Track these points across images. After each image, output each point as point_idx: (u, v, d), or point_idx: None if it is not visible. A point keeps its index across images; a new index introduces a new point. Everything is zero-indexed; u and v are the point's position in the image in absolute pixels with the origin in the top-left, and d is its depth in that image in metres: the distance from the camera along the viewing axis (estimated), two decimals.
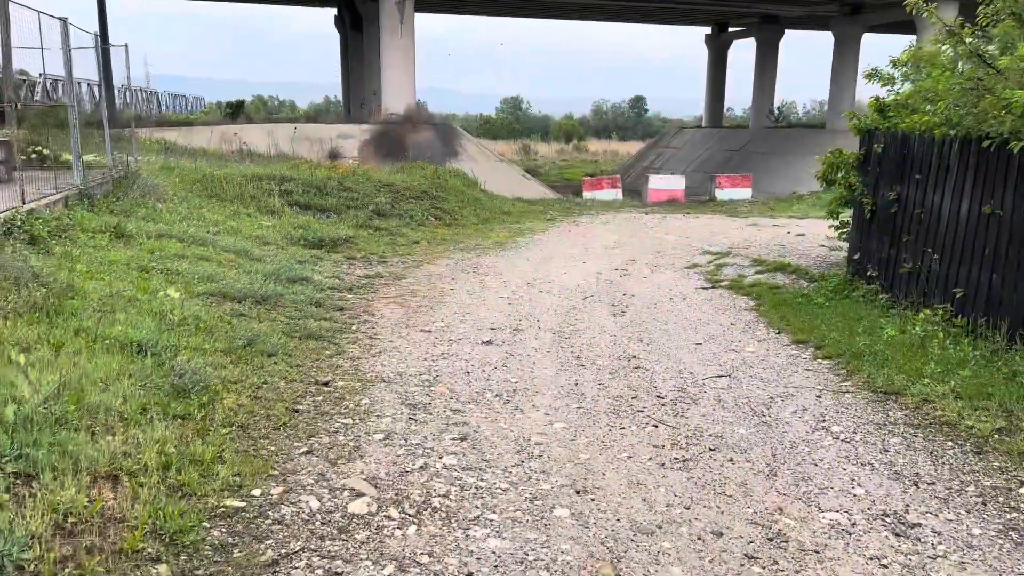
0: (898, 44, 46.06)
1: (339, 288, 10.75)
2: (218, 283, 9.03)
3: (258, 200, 15.51)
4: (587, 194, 29.88)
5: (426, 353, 7.93)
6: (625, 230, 17.96)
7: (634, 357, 8.06)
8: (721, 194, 30.32)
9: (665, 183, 30.82)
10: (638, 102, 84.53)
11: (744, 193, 30.80)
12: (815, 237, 15.28)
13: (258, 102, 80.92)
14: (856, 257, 10.36)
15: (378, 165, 27.50)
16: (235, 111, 35.45)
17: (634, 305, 10.49)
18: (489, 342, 8.47)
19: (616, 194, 30.33)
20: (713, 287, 11.59)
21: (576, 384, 7.16)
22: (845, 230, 11.16)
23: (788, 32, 44.39)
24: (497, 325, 9.25)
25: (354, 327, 8.80)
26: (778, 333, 9.04)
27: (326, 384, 6.65)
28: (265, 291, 9.14)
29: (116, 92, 42.16)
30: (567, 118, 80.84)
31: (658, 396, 6.87)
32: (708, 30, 47.82)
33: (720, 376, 7.45)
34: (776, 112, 43.52)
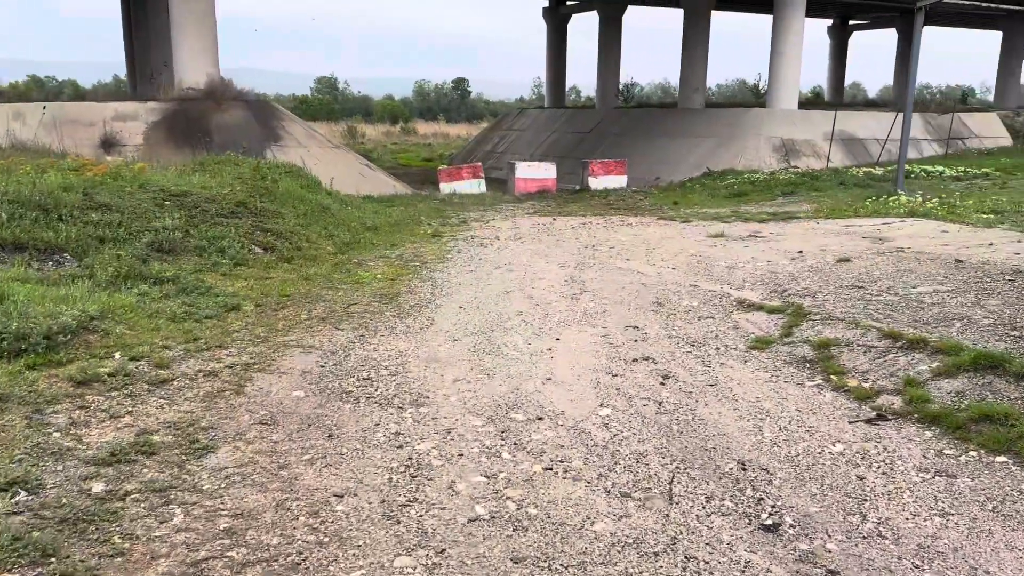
0: (750, 21, 42.60)
1: None
2: None
3: None
4: (445, 186, 23.00)
5: None
6: (556, 251, 11.32)
7: None
8: (595, 183, 24.53)
9: (534, 172, 24.47)
10: (460, 83, 77.45)
11: (620, 181, 25.20)
12: (877, 267, 9.38)
13: (32, 82, 65.99)
14: None
15: (173, 156, 19.09)
16: None
17: (811, 520, 3.94)
18: None
19: (479, 185, 23.76)
20: (881, 416, 5.25)
21: None
22: None
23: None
24: None
25: None
26: None
27: None
28: None
29: None
30: (389, 99, 72.62)
31: None
32: (545, 2, 41.70)
33: None
34: (625, 91, 38.34)
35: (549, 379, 6.06)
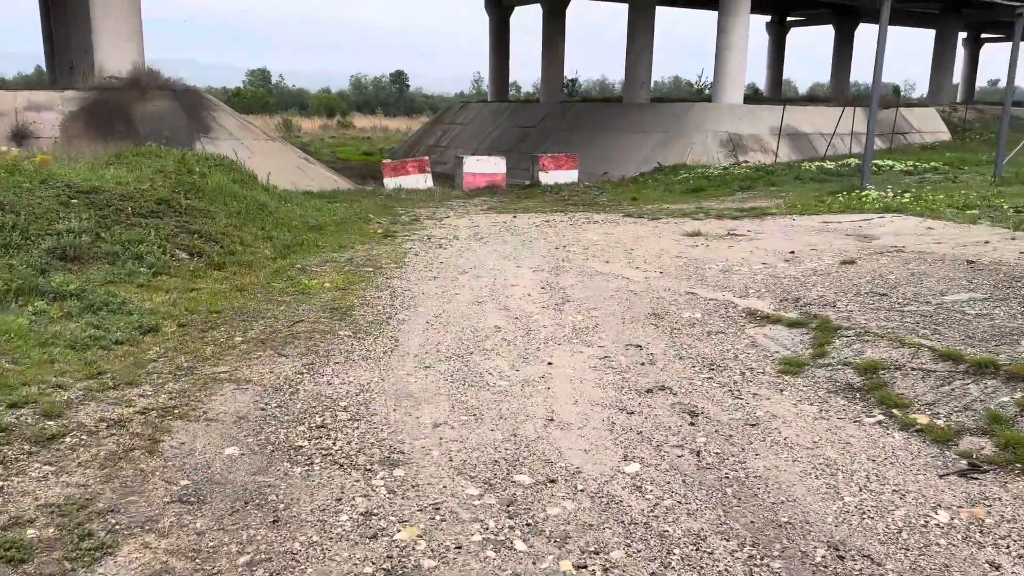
0: (681, 18, 42.09)
1: None
2: None
3: None
4: (389, 181, 21.50)
5: None
6: (525, 253, 10.06)
7: None
8: (546, 177, 23.41)
9: (483, 167, 23.18)
10: (399, 77, 75.27)
11: (571, 176, 24.16)
12: (887, 270, 8.42)
13: None
14: None
15: (93, 148, 17.19)
16: None
17: None
18: None
19: (426, 180, 22.36)
20: (975, 465, 4.16)
21: None
22: None
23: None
24: None
25: None
26: None
27: None
28: None
29: None
30: (325, 92, 70.06)
31: None
32: None
33: None
34: (570, 85, 37.24)
35: (551, 420, 4.79)
